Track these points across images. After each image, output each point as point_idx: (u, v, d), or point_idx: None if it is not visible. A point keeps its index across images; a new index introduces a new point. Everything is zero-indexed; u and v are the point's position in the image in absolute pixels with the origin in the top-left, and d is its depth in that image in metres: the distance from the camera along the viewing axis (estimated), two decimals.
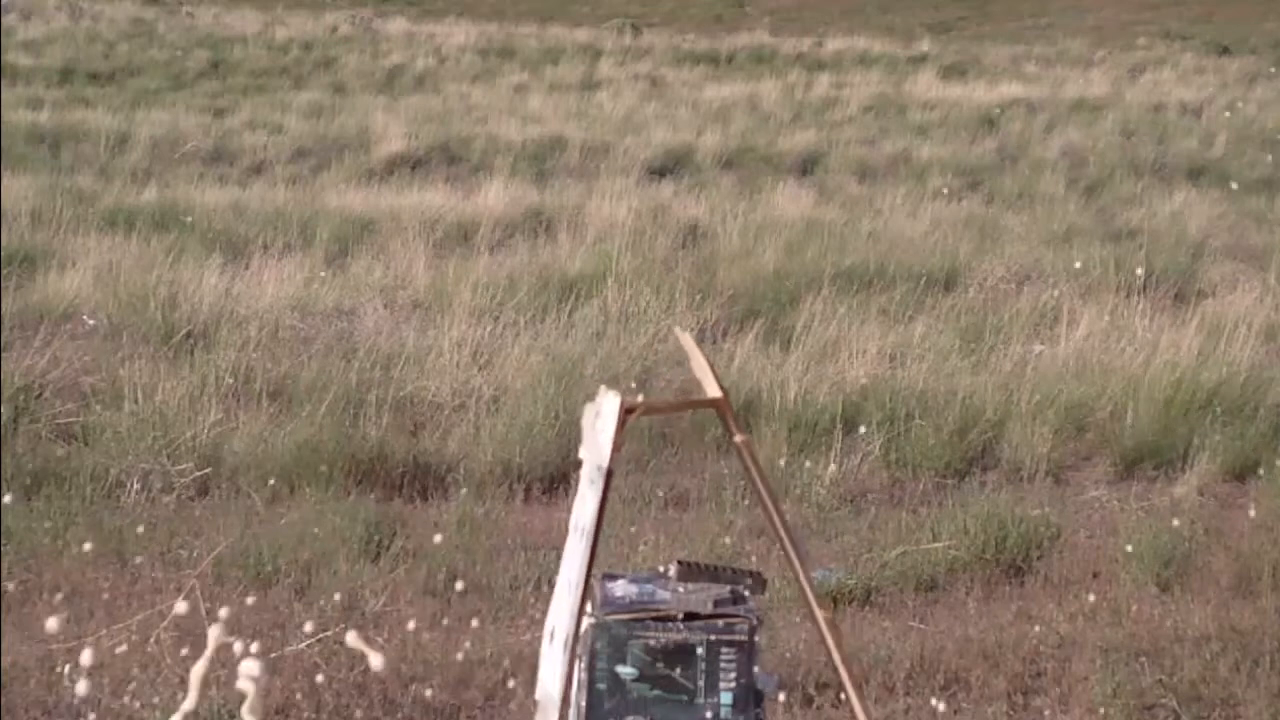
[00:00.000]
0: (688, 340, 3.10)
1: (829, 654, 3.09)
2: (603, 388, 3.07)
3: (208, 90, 32.81)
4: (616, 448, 2.85)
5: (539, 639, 7.71)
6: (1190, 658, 7.60)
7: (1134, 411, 11.03)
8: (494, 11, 52.92)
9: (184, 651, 7.17)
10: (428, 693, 7.07)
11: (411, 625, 7.30)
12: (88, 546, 8.22)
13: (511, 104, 31.45)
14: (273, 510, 9.09)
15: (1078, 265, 15.17)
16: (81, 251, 14.94)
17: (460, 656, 7.38)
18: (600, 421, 2.90)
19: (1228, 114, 29.05)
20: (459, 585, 7.96)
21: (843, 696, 7.15)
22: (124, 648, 7.19)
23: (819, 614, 3.17)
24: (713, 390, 3.03)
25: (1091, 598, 8.40)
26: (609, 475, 2.82)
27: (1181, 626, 8.01)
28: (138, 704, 6.82)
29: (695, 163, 24.98)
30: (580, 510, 3.00)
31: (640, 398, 2.74)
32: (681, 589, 3.69)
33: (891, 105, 32.78)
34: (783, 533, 3.26)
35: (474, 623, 7.81)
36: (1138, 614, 8.20)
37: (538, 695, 3.47)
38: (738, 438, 2.99)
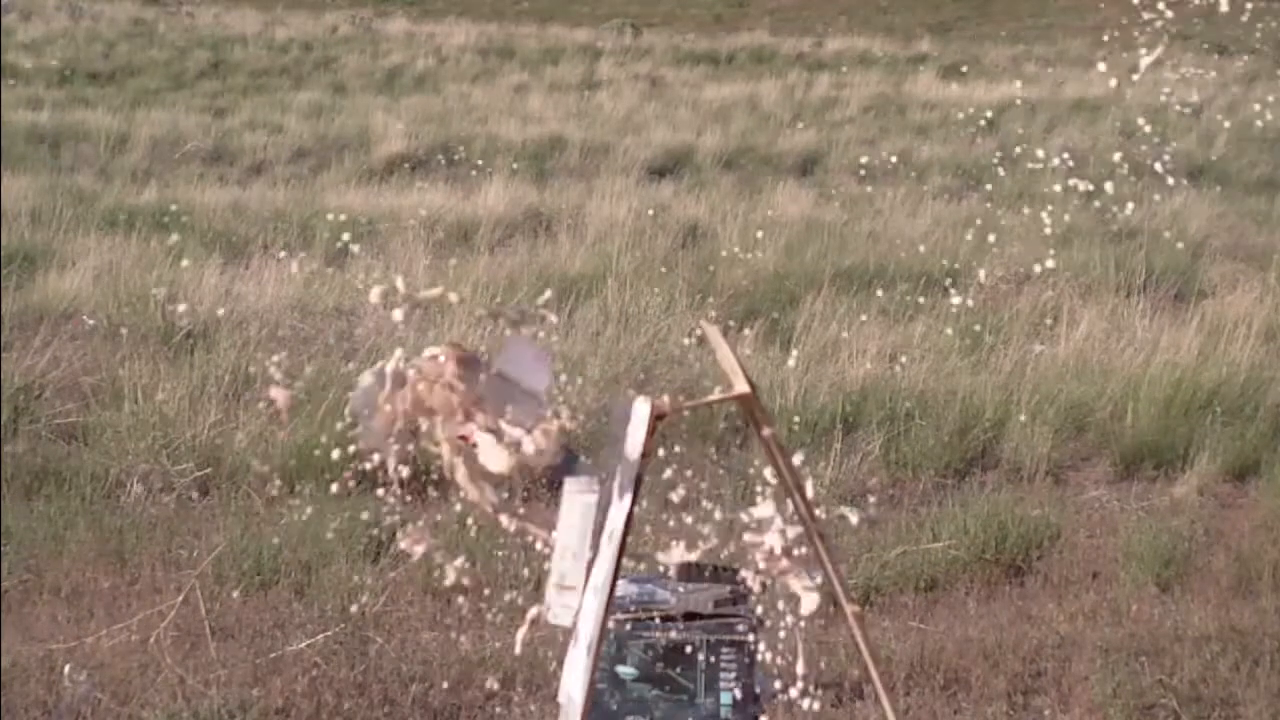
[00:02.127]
0: (714, 333, 3.10)
1: (858, 650, 3.10)
2: (631, 392, 3.07)
3: (208, 90, 32.82)
4: (646, 454, 2.86)
5: (540, 639, 7.70)
6: (1190, 658, 7.60)
7: (1134, 411, 11.04)
8: (494, 12, 52.91)
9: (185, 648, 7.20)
10: (428, 693, 7.08)
11: (411, 625, 7.34)
12: (87, 546, 8.25)
13: (511, 104, 31.46)
14: (272, 510, 9.08)
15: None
16: (81, 251, 14.96)
17: (460, 656, 7.39)
18: (631, 427, 2.91)
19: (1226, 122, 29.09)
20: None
21: (842, 698, 7.16)
22: (124, 648, 7.22)
23: (848, 609, 3.17)
24: (740, 385, 3.03)
25: (1092, 597, 8.42)
26: (638, 481, 2.83)
27: (1181, 626, 8.01)
28: (137, 704, 6.82)
29: (695, 163, 25.00)
30: (611, 515, 3.00)
31: (666, 398, 2.75)
32: (681, 589, 3.70)
33: (891, 105, 32.82)
34: (811, 527, 3.26)
35: (474, 623, 7.82)
36: (1138, 614, 8.20)
37: (560, 698, 3.47)
38: (765, 432, 2.99)
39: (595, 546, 3.01)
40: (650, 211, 18.50)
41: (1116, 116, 30.63)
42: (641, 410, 2.87)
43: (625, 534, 2.86)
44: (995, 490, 9.98)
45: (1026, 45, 45.32)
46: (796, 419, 10.69)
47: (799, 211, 19.48)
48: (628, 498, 2.85)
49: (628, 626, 3.68)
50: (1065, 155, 22.95)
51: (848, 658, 7.39)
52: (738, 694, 3.70)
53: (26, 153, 22.85)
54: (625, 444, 2.90)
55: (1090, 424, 11.07)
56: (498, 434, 2.90)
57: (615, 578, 2.85)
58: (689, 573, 3.77)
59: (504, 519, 2.94)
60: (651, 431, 2.87)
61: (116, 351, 11.68)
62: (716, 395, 3.11)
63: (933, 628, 8.04)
